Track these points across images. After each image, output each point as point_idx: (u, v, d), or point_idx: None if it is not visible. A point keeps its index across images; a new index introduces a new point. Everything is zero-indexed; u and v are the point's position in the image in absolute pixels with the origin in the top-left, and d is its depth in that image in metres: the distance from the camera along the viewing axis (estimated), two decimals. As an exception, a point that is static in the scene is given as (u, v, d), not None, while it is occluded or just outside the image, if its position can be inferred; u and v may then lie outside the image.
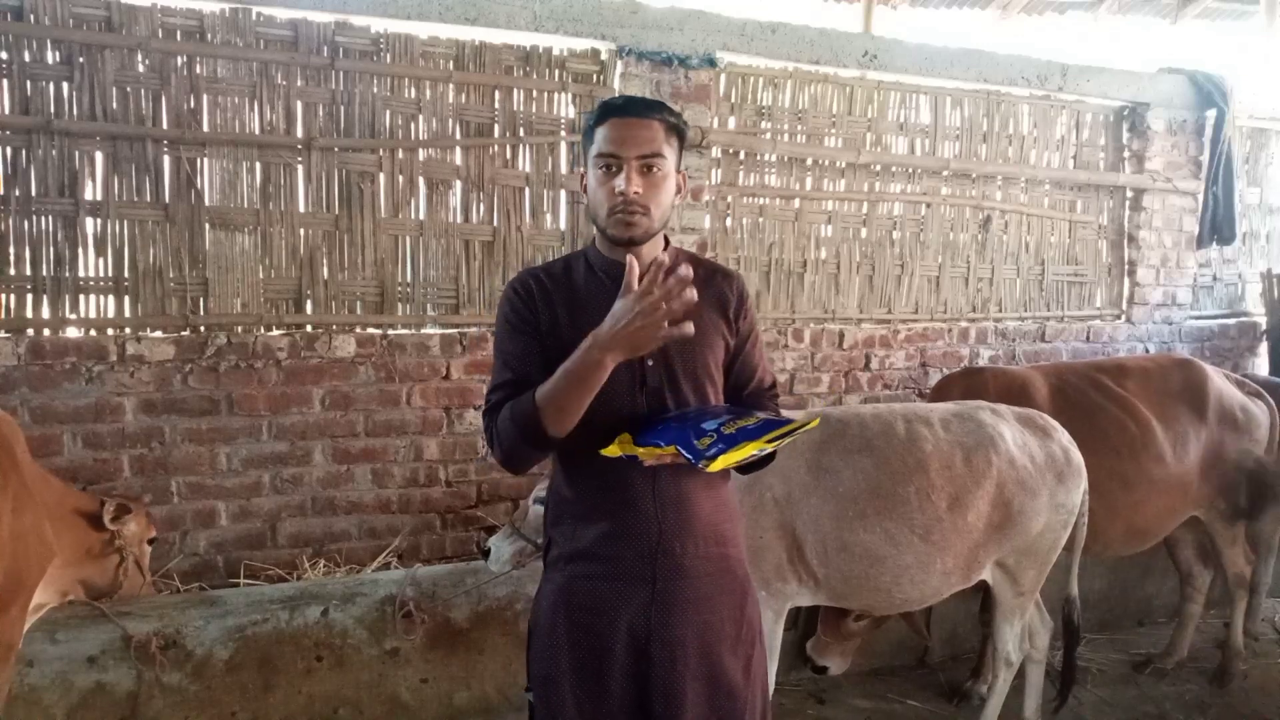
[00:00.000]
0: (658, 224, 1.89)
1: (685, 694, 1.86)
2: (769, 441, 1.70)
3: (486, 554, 3.11)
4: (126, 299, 3.59)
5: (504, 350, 1.93)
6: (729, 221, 4.56)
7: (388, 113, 3.88)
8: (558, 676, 1.91)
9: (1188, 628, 4.08)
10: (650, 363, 1.88)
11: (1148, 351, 5.45)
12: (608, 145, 1.83)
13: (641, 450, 1.73)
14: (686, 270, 1.61)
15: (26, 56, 3.39)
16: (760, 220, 4.63)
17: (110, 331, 3.56)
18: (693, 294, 1.62)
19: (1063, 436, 3.20)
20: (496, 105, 4.05)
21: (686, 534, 1.89)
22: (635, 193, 1.82)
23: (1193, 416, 3.81)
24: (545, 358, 1.86)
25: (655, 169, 1.84)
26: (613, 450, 1.76)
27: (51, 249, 3.48)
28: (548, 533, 2.02)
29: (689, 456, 1.67)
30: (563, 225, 4.25)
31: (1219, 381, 3.92)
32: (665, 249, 1.95)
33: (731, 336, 1.99)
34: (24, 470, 2.62)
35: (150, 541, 3.18)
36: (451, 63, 3.96)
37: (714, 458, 1.64)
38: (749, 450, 1.68)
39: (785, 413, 2.09)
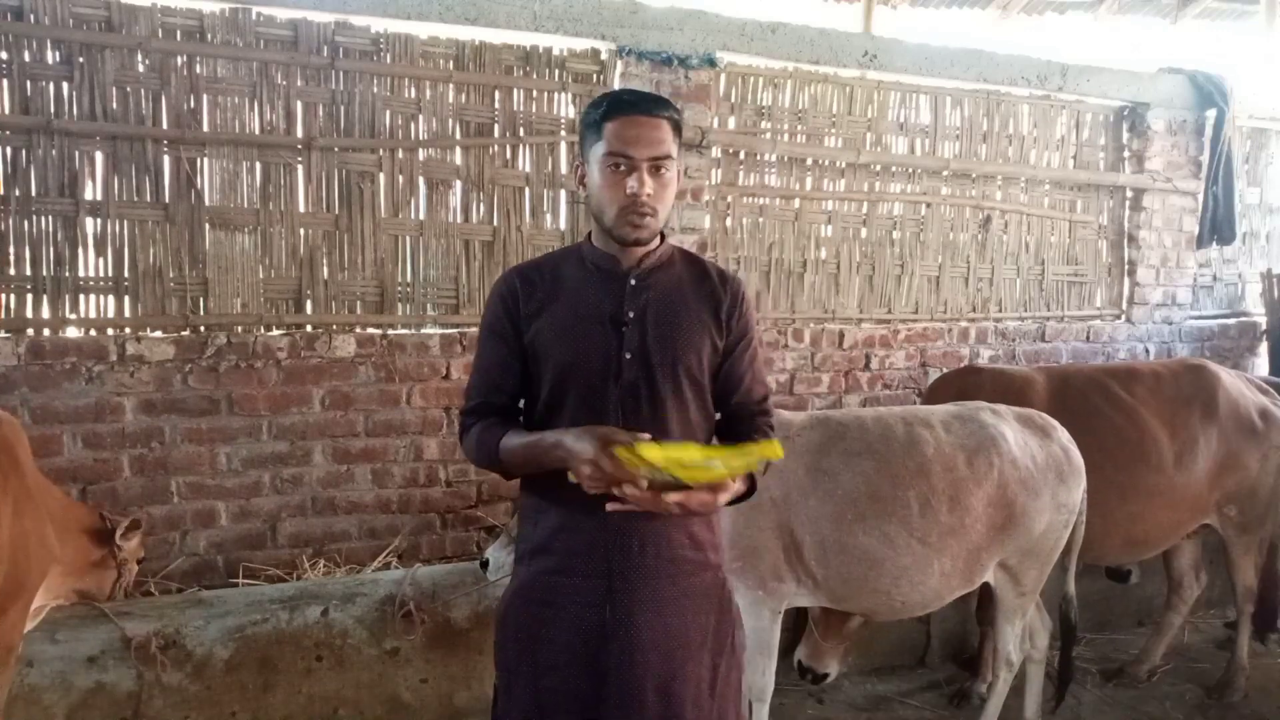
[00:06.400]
0: (662, 224, 1.89)
1: (645, 699, 1.83)
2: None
3: (485, 565, 3.10)
4: (126, 299, 3.59)
5: (481, 355, 1.98)
6: (729, 221, 4.56)
7: (388, 113, 3.87)
8: (518, 669, 1.91)
9: (1164, 636, 3.95)
10: (628, 355, 1.86)
11: (1148, 352, 5.45)
12: (620, 144, 1.80)
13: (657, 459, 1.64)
14: (669, 508, 1.69)
15: (26, 56, 3.39)
16: (760, 220, 4.62)
17: (110, 331, 3.56)
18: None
19: (1062, 435, 3.19)
20: (496, 105, 4.04)
21: (646, 531, 1.85)
22: (648, 195, 1.81)
23: (1203, 424, 3.66)
24: (523, 359, 1.93)
25: (665, 170, 1.84)
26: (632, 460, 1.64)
27: (51, 249, 3.47)
28: (518, 527, 2.06)
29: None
30: (563, 225, 4.25)
31: (1233, 386, 3.78)
32: (660, 244, 1.96)
33: (721, 338, 1.95)
34: (26, 474, 2.61)
35: (139, 561, 3.17)
36: (451, 63, 3.96)
37: None
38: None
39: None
